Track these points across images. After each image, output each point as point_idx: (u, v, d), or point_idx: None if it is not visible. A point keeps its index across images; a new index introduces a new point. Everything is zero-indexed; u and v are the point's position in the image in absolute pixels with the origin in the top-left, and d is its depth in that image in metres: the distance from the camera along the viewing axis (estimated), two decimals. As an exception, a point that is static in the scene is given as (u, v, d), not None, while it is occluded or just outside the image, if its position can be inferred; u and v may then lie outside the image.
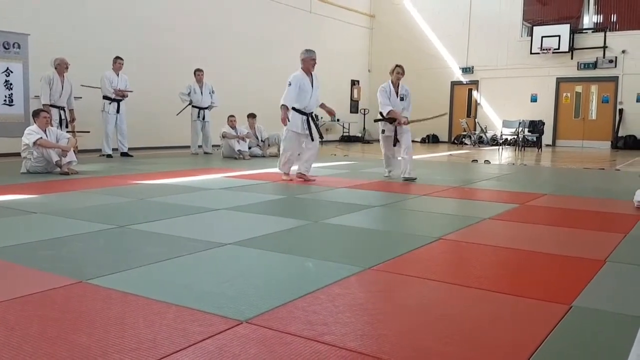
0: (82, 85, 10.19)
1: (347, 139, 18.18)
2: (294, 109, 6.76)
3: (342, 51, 18.11)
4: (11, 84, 9.38)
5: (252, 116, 11.19)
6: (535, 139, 15.34)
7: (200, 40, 13.27)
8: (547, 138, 16.42)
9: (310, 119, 6.89)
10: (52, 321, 2.13)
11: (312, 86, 6.79)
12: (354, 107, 19.37)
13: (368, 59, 19.89)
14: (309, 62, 6.77)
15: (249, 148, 10.73)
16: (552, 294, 2.56)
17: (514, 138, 15.87)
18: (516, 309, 2.37)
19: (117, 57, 10.14)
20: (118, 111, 10.17)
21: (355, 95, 19.41)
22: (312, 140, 6.89)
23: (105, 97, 10.06)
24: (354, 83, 19.39)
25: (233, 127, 10.53)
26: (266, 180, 6.97)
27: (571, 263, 3.16)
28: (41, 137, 7.05)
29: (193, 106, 11.44)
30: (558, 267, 3.08)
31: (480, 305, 2.42)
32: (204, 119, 11.48)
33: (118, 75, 10.14)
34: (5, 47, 9.25)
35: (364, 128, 19.02)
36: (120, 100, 10.18)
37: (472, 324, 2.18)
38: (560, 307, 2.36)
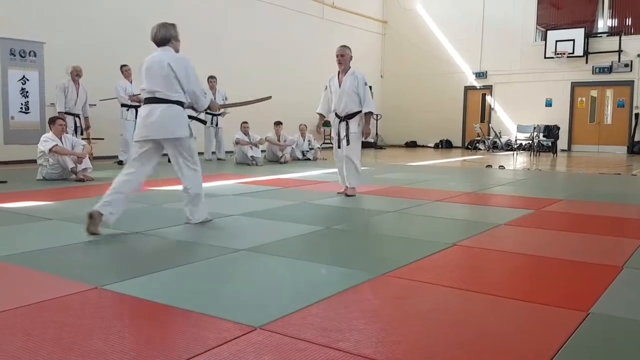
0: (101, 100, 10.34)
1: (359, 145, 18.14)
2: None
3: (354, 57, 17.92)
4: (27, 92, 9.51)
5: (277, 124, 11.40)
6: (550, 144, 15.21)
7: (213, 49, 13.35)
8: (562, 143, 16.27)
9: (344, 123, 5.96)
10: (68, 327, 2.14)
11: (340, 85, 5.98)
12: (367, 112, 19.33)
13: (380, 64, 19.88)
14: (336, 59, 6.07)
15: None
16: (569, 301, 2.53)
17: (528, 143, 15.75)
18: (532, 316, 2.35)
19: (123, 65, 10.24)
20: (137, 117, 10.24)
21: (368, 101, 19.37)
22: (339, 147, 6.07)
23: (122, 105, 10.18)
24: (366, 89, 19.36)
25: (246, 134, 10.57)
26: (279, 186, 6.98)
27: (588, 269, 3.12)
28: (57, 144, 7.13)
29: (206, 113, 11.49)
30: (574, 273, 3.04)
31: (496, 312, 2.40)
32: (217, 125, 11.54)
33: (131, 82, 10.24)
34: (21, 56, 9.38)
35: (377, 133, 18.99)
36: (138, 106, 10.26)
37: (487, 331, 2.16)
38: (577, 314, 2.33)
